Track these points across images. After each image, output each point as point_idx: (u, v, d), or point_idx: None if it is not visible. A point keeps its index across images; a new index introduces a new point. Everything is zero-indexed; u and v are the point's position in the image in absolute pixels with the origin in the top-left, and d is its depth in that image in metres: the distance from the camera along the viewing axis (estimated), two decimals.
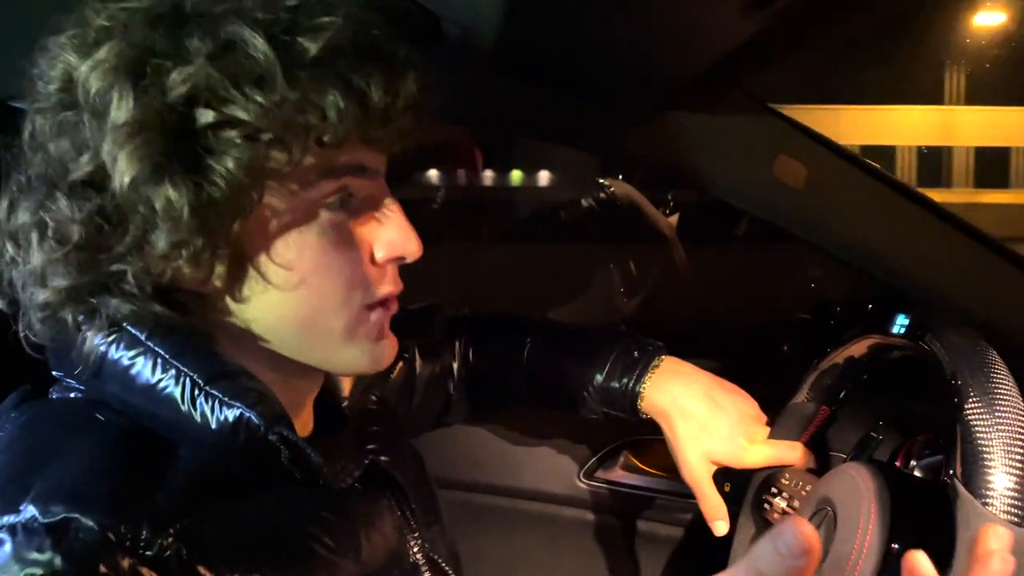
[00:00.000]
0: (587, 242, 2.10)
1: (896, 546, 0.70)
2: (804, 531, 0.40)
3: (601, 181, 1.92)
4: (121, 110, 0.55)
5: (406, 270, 0.70)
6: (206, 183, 0.57)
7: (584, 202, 1.94)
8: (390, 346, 0.71)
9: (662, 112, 0.96)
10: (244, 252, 0.61)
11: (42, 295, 0.60)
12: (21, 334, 0.64)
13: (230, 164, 0.56)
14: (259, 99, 0.56)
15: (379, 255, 0.67)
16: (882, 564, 0.70)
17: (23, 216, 0.60)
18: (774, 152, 0.98)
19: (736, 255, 1.94)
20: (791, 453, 0.97)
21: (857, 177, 1.00)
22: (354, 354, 0.68)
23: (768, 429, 0.99)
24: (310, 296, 0.64)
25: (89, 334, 0.62)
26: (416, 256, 0.68)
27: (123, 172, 0.55)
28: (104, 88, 0.56)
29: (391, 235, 0.67)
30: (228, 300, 0.63)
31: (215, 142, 0.57)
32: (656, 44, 0.83)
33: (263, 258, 0.62)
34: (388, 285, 0.68)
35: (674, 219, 2.02)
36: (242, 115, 0.56)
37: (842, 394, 0.99)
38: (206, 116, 0.56)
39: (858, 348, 0.97)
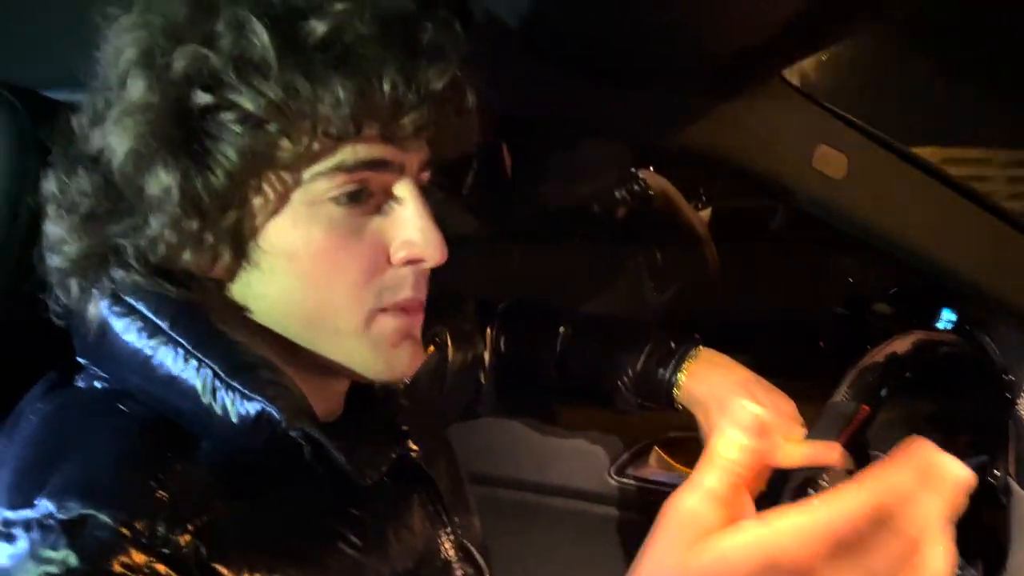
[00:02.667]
0: (618, 236, 2.06)
1: None
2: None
3: (635, 172, 1.89)
4: (130, 90, 0.56)
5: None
6: (202, 168, 0.56)
7: (617, 194, 1.90)
8: (411, 355, 0.67)
9: (698, 98, 0.93)
10: (246, 240, 0.60)
11: (56, 260, 0.62)
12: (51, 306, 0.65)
13: (228, 150, 0.56)
14: (256, 84, 0.54)
15: (396, 256, 0.63)
16: None
17: (48, 186, 0.62)
18: (814, 141, 0.95)
19: (769, 249, 1.90)
20: (829, 454, 0.93)
21: (900, 168, 0.96)
22: (365, 358, 0.65)
23: (805, 430, 0.96)
24: (315, 292, 0.61)
25: (91, 305, 0.62)
26: (438, 262, 0.64)
27: (115, 150, 0.56)
28: (122, 70, 0.57)
29: (410, 236, 0.63)
30: (235, 288, 0.62)
31: (213, 127, 0.56)
32: (693, 27, 0.80)
33: (266, 248, 0.60)
34: (407, 290, 0.64)
35: (706, 214, 1.98)
36: (239, 100, 0.55)
37: (883, 392, 0.96)
38: (203, 99, 0.55)
39: (901, 344, 0.93)
